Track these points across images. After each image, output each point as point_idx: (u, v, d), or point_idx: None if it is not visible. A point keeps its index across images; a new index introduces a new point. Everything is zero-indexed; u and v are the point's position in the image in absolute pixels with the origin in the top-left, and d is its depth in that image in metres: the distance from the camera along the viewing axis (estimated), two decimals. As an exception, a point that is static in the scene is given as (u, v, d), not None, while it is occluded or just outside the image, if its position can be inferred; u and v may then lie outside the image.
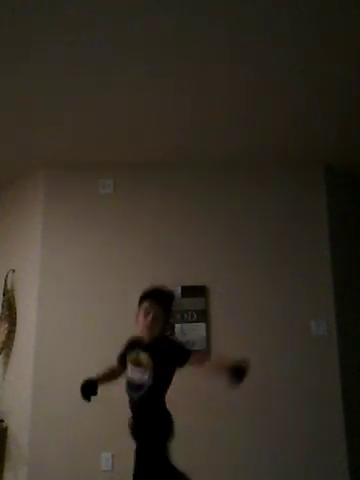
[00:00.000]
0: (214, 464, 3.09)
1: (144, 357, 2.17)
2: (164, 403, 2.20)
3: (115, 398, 3.18)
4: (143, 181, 3.56)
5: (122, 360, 2.30)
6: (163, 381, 2.18)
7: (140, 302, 2.30)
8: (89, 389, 2.24)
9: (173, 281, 3.34)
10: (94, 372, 3.20)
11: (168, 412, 2.22)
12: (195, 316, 3.29)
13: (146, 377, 2.13)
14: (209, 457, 3.11)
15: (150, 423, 2.16)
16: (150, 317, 2.21)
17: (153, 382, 2.12)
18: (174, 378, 2.26)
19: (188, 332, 3.26)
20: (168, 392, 2.28)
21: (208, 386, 3.23)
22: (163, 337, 2.30)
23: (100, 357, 3.24)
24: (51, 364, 3.24)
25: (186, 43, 2.33)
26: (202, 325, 3.28)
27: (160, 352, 2.17)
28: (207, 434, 3.13)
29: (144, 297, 2.29)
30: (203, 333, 3.26)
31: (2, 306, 3.52)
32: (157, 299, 2.26)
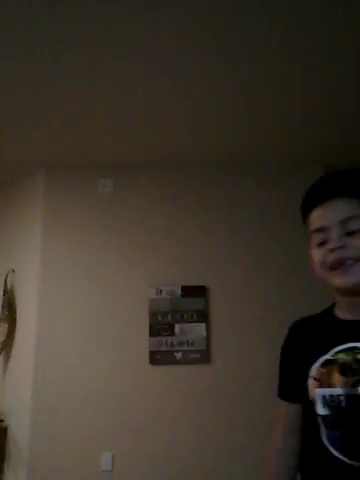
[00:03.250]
0: (210, 464, 3.09)
1: None
2: None
3: (114, 398, 3.19)
4: (143, 181, 3.56)
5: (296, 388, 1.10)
6: None
7: (308, 213, 1.10)
8: None
9: (173, 281, 3.35)
10: (94, 372, 3.21)
11: None
12: (195, 316, 3.29)
13: None
14: (205, 456, 3.11)
15: None
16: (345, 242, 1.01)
17: None
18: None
19: (188, 332, 3.26)
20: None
21: (207, 384, 3.24)
22: None
23: (100, 357, 3.25)
24: (51, 364, 3.24)
25: (186, 43, 2.34)
26: (202, 325, 3.27)
27: None
28: (203, 433, 3.14)
29: (319, 199, 1.07)
30: (203, 333, 3.26)
31: (2, 306, 3.52)
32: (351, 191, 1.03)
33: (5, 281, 3.58)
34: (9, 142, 3.27)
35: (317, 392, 1.02)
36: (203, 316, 3.29)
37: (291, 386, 1.12)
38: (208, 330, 3.28)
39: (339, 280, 1.02)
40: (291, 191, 3.56)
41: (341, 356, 1.01)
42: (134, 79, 2.61)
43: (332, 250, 1.01)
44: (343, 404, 0.98)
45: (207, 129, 3.15)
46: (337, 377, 1.00)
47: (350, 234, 1.01)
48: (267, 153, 3.46)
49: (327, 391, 1.01)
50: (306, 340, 1.11)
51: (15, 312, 3.52)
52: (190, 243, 3.45)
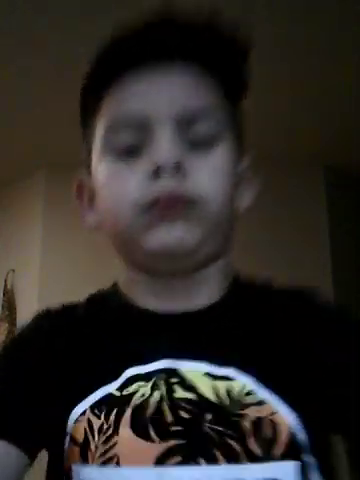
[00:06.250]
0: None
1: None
2: None
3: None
4: (143, 181, 3.56)
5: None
6: None
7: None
8: None
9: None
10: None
11: None
12: (195, 316, 3.27)
13: None
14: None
15: None
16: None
17: None
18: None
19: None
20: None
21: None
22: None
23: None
24: (51, 364, 3.23)
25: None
26: (202, 325, 3.26)
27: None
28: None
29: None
30: (203, 333, 3.25)
31: (2, 306, 3.52)
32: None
33: (5, 281, 3.58)
34: (9, 142, 3.27)
35: (76, 470, 0.50)
36: (203, 316, 3.28)
37: (21, 424, 0.60)
38: (208, 330, 3.27)
39: (161, 236, 0.52)
40: (290, 191, 3.56)
41: (140, 390, 0.48)
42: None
43: (158, 173, 0.50)
44: None
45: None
46: (126, 440, 0.46)
47: (195, 146, 0.53)
48: (266, 153, 3.45)
49: (98, 474, 0.47)
50: (69, 353, 0.58)
51: (15, 312, 3.51)
52: (190, 243, 3.44)
